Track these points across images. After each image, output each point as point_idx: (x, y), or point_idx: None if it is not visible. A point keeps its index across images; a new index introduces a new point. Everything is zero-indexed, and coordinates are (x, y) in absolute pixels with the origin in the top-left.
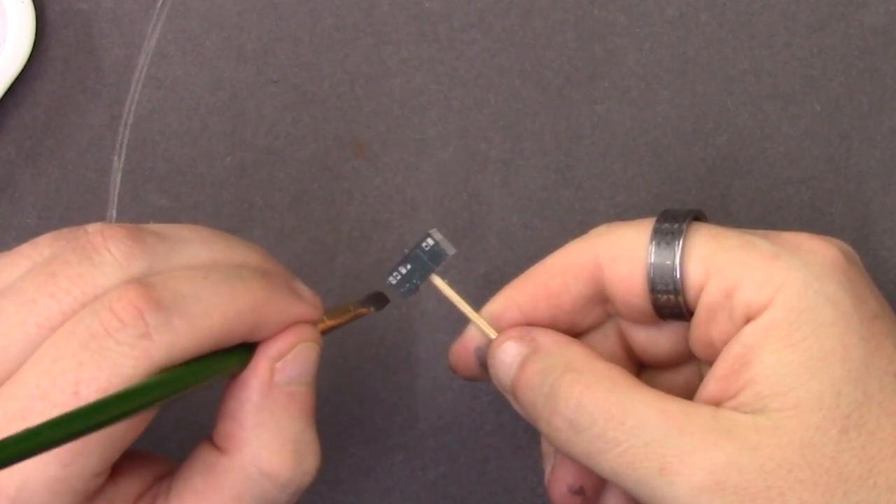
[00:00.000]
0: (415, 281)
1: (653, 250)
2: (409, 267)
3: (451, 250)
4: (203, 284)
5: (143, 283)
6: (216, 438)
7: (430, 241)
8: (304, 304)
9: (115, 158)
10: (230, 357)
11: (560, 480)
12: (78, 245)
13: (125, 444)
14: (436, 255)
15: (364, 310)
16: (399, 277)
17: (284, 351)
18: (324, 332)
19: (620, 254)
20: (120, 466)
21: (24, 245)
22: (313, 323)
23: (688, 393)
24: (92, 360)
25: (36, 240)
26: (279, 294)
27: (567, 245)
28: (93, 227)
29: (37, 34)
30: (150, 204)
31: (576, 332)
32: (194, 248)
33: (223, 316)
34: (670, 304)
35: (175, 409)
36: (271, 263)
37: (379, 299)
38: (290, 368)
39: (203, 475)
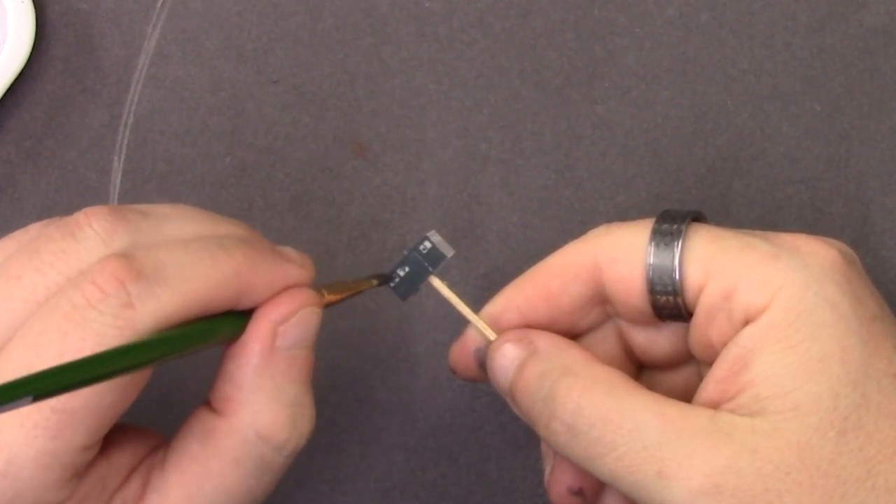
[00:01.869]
0: (413, 283)
1: (652, 251)
2: (407, 269)
3: (449, 252)
4: (184, 253)
5: (124, 255)
6: (213, 401)
7: (428, 243)
8: (291, 264)
9: (115, 158)
10: (221, 323)
11: (559, 481)
12: (62, 223)
13: (114, 417)
14: (434, 256)
15: (366, 284)
16: (398, 279)
17: (287, 315)
18: (327, 306)
19: (619, 255)
20: (111, 441)
21: (16, 231)
22: (307, 283)
23: (687, 393)
24: (75, 331)
25: (27, 226)
26: (262, 257)
27: (566, 246)
28: (78, 212)
29: (37, 34)
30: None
31: (575, 333)
32: (177, 223)
33: (205, 281)
34: (669, 305)
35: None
36: (253, 233)
37: (382, 276)
38: (292, 332)
39: (200, 440)
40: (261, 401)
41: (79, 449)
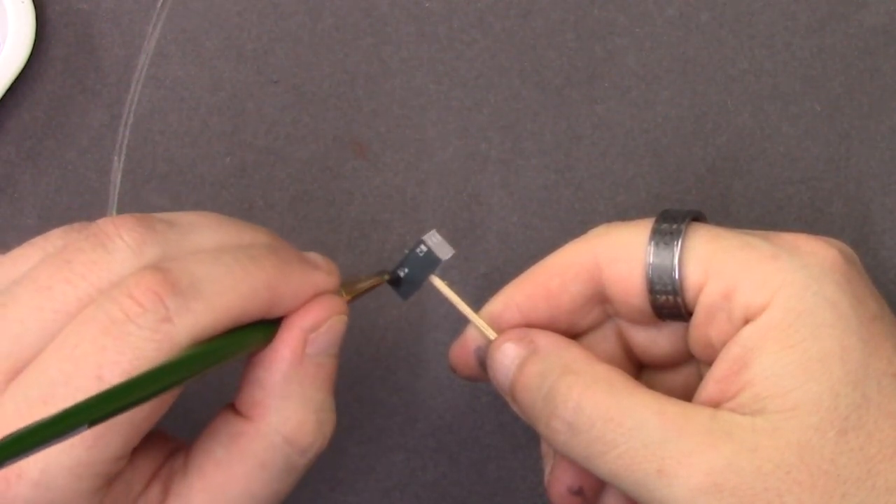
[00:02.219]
0: (414, 282)
1: (651, 251)
2: (408, 269)
3: (449, 252)
4: (216, 266)
5: (158, 268)
6: (240, 406)
7: (428, 243)
8: (318, 272)
9: (115, 158)
10: (252, 333)
11: (559, 481)
12: (90, 233)
13: (148, 427)
14: (435, 256)
15: (378, 280)
16: (399, 279)
17: (318, 323)
18: None
19: (619, 254)
20: (135, 447)
21: (36, 238)
22: (334, 290)
23: (687, 393)
24: (114, 345)
25: (48, 233)
26: (291, 267)
27: (566, 245)
28: (103, 220)
29: (37, 34)
30: (150, 204)
31: (575, 333)
32: (203, 232)
33: (239, 295)
34: (669, 304)
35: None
36: (279, 240)
37: (387, 272)
38: (321, 340)
39: (226, 445)
40: (289, 406)
41: (113, 459)
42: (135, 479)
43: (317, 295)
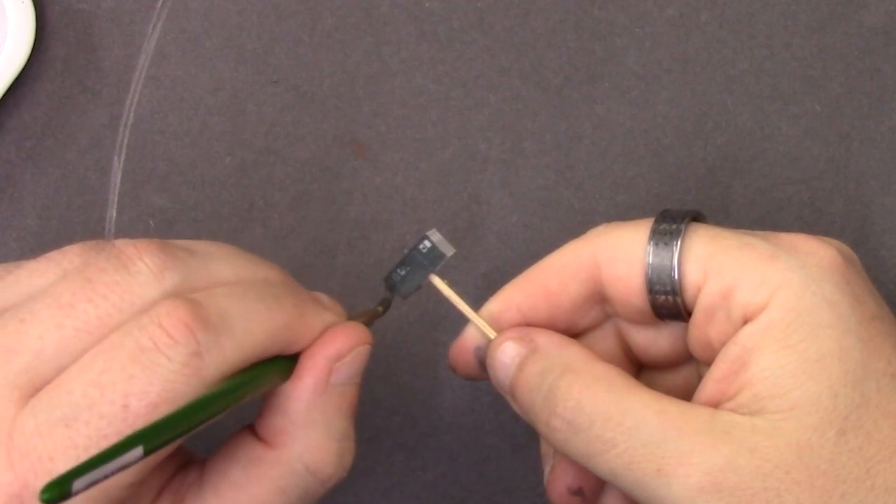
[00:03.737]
0: (414, 281)
1: (651, 251)
2: (408, 268)
3: (449, 251)
4: (243, 302)
5: (188, 300)
6: (261, 432)
7: (428, 242)
8: (330, 313)
9: (115, 158)
10: (272, 369)
11: (559, 481)
12: (111, 255)
13: (162, 457)
14: (435, 255)
15: (374, 314)
16: (398, 278)
17: (343, 353)
18: None
19: (619, 254)
20: None
21: (53, 252)
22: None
23: (686, 394)
24: (143, 375)
25: (65, 248)
26: (308, 308)
27: (566, 245)
28: (121, 242)
29: (37, 34)
30: (150, 204)
31: (574, 332)
32: (221, 264)
33: (264, 333)
34: (668, 304)
35: None
36: (290, 278)
37: (384, 299)
38: (346, 370)
39: (244, 468)
40: (312, 435)
41: (127, 486)
42: (142, 492)
43: (338, 325)
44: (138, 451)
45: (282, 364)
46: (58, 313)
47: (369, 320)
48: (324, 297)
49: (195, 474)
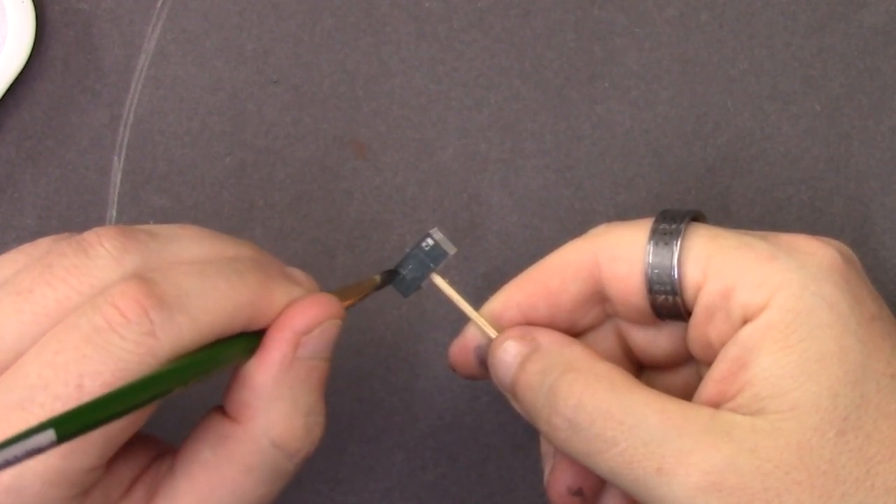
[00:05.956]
0: (416, 280)
1: (651, 250)
2: (409, 266)
3: (451, 250)
4: (201, 279)
5: (143, 279)
6: (228, 407)
7: (430, 241)
8: (300, 288)
9: (115, 158)
10: (233, 347)
11: (559, 481)
12: (73, 241)
13: (123, 439)
14: (436, 254)
15: (369, 284)
16: (400, 276)
17: (311, 326)
18: None
19: (619, 253)
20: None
21: (25, 245)
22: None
23: (686, 394)
24: (96, 354)
25: (37, 241)
26: (274, 282)
27: (566, 245)
28: (88, 231)
29: (37, 34)
30: (150, 204)
31: (575, 332)
32: (186, 244)
33: (223, 310)
34: (668, 304)
35: None
36: (263, 254)
37: (385, 273)
38: (314, 343)
39: (213, 447)
40: (278, 409)
41: (88, 469)
42: (113, 483)
43: (308, 297)
44: (48, 434)
45: (247, 340)
46: (17, 299)
47: (367, 290)
48: (297, 273)
49: (169, 463)
